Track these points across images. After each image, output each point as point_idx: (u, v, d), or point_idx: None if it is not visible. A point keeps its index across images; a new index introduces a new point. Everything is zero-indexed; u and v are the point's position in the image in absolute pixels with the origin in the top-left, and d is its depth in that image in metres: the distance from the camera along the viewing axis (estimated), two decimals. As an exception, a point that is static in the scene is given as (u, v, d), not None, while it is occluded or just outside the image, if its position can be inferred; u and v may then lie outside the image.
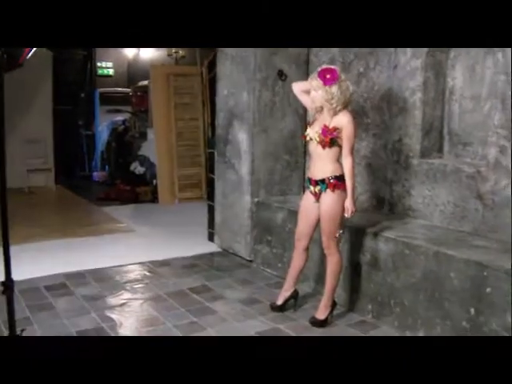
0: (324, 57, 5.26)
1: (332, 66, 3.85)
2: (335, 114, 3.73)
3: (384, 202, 4.70)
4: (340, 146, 3.74)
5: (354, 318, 4.11)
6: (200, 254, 5.82)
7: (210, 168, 6.42)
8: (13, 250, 5.85)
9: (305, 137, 3.94)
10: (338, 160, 3.78)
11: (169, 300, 4.49)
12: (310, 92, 3.85)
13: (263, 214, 5.32)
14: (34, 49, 2.89)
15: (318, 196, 3.86)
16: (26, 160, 9.52)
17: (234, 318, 4.15)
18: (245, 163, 5.50)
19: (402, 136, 4.51)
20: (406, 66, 4.43)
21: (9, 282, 2.45)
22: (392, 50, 4.52)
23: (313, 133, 3.81)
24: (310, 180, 3.92)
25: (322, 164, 3.80)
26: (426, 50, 4.26)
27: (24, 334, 3.67)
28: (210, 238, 6.29)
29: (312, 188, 3.89)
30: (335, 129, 3.70)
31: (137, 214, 8.15)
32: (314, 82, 3.75)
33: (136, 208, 8.58)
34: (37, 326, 3.90)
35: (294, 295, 4.24)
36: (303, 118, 5.52)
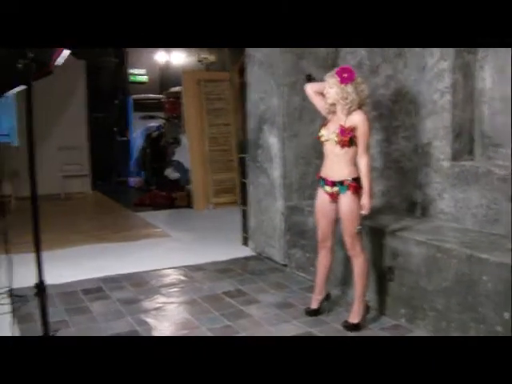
0: (352, 60, 5.28)
1: (350, 67, 3.92)
2: (349, 113, 3.79)
3: (416, 206, 4.70)
4: (357, 146, 3.80)
5: (387, 322, 4.12)
6: (234, 259, 5.90)
7: (243, 173, 6.49)
8: (51, 254, 6.08)
9: (319, 137, 3.98)
10: (355, 161, 3.83)
11: (203, 304, 4.57)
12: (323, 93, 3.92)
13: (296, 218, 5.36)
14: (63, 55, 2.95)
15: (334, 196, 3.91)
16: (62, 166, 9.75)
17: (267, 321, 4.19)
18: (276, 167, 5.56)
19: (432, 139, 4.50)
20: (434, 68, 4.42)
21: (41, 284, 2.55)
22: (420, 52, 4.52)
23: (329, 133, 3.87)
24: (324, 180, 3.96)
25: (339, 165, 3.85)
26: (453, 51, 4.25)
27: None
28: (245, 242, 6.37)
29: (328, 188, 3.93)
30: (351, 128, 3.76)
31: (172, 220, 8.27)
32: (331, 79, 3.83)
33: (171, 213, 8.70)
34: (73, 329, 4.04)
35: (327, 297, 4.28)
36: (333, 122, 5.56)
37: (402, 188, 4.83)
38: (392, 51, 4.84)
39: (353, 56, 5.33)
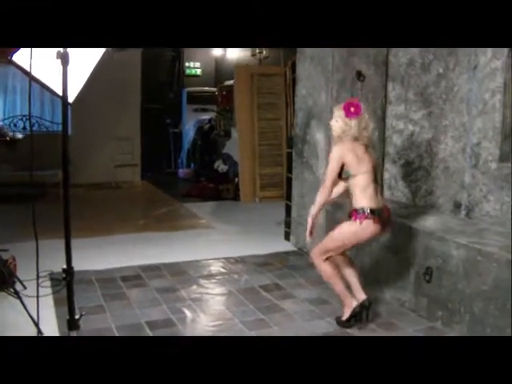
0: (403, 57, 5.19)
1: (357, 101, 3.86)
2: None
3: (461, 207, 4.57)
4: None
5: (423, 324, 4.03)
6: (275, 253, 5.87)
7: (288, 167, 6.47)
8: (96, 241, 6.22)
9: None
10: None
11: (239, 296, 4.57)
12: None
13: (338, 215, 5.28)
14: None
15: None
16: (114, 156, 9.90)
17: (301, 317, 4.16)
18: (322, 164, 5.50)
19: (480, 139, 4.37)
20: (486, 67, 4.28)
21: (69, 269, 2.60)
22: (472, 50, 4.39)
23: None
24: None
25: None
26: (506, 50, 4.11)
27: (95, 322, 3.87)
28: (287, 237, 6.34)
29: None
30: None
31: (218, 211, 8.30)
32: (337, 112, 3.79)
33: (217, 205, 8.74)
34: (109, 314, 4.10)
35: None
36: (382, 120, 5.46)
37: (447, 188, 4.71)
38: (444, 49, 4.72)
39: (404, 53, 5.22)
